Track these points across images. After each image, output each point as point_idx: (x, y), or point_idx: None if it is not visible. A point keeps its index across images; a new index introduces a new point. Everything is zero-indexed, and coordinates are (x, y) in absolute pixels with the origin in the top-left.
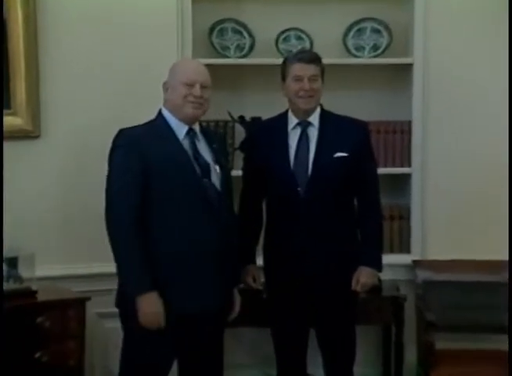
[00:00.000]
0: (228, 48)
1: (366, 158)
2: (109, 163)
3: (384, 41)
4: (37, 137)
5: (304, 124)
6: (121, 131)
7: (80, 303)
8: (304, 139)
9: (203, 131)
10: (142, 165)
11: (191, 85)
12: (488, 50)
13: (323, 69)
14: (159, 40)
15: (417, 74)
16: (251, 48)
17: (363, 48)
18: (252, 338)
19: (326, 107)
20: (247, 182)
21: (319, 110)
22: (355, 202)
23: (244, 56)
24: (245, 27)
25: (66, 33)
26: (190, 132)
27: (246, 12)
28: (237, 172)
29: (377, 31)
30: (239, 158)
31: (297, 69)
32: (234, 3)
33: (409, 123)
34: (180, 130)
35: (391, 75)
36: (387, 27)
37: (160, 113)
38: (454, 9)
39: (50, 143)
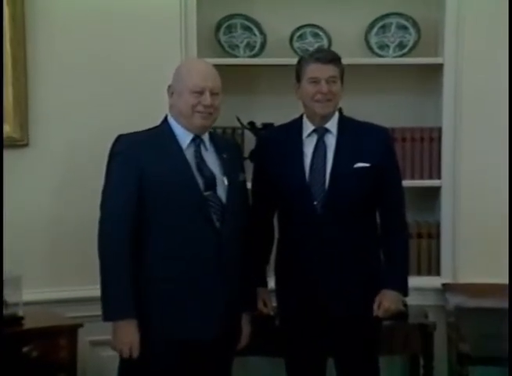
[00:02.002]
0: (237, 46)
1: (390, 169)
2: (107, 171)
3: (411, 38)
4: (25, 146)
5: (321, 131)
6: (120, 137)
7: (71, 330)
8: (320, 147)
9: (213, 138)
10: (138, 179)
11: (200, 93)
12: None
13: (343, 70)
14: (160, 38)
15: (448, 75)
16: (263, 46)
17: (388, 46)
18: (264, 368)
19: (346, 113)
20: (257, 195)
21: (337, 115)
22: (378, 218)
23: (255, 56)
24: (256, 23)
25: (58, 32)
26: (196, 140)
27: (256, 7)
28: (248, 184)
29: (404, 28)
30: (248, 168)
31: (314, 70)
32: None
33: (439, 130)
34: (184, 138)
35: (419, 77)
36: (414, 23)
37: (165, 119)
38: (489, 3)
39: (39, 153)
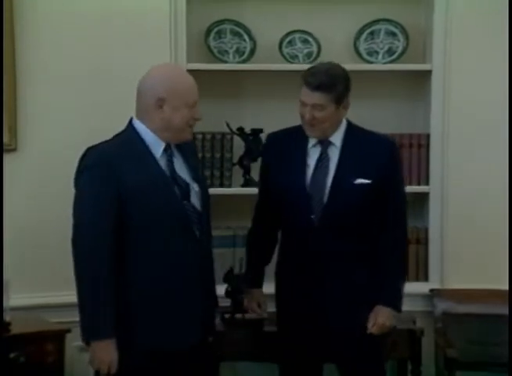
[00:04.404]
0: (227, 52)
1: (392, 184)
2: (76, 186)
3: (399, 45)
4: (13, 150)
5: (325, 144)
6: (89, 150)
7: (59, 335)
8: (324, 159)
9: (177, 145)
10: (115, 191)
11: (193, 106)
12: None
13: (340, 93)
14: (150, 43)
15: (436, 81)
16: (252, 52)
17: (377, 52)
18: (253, 374)
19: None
20: (262, 193)
21: (344, 127)
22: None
23: (244, 61)
24: (245, 28)
25: (47, 37)
26: (168, 150)
27: (246, 13)
28: (238, 190)
29: (392, 34)
30: (238, 174)
31: (303, 93)
32: (233, 3)
33: (427, 136)
34: (156, 148)
35: (408, 83)
36: (403, 30)
37: (132, 126)
38: (477, 9)
39: (27, 157)
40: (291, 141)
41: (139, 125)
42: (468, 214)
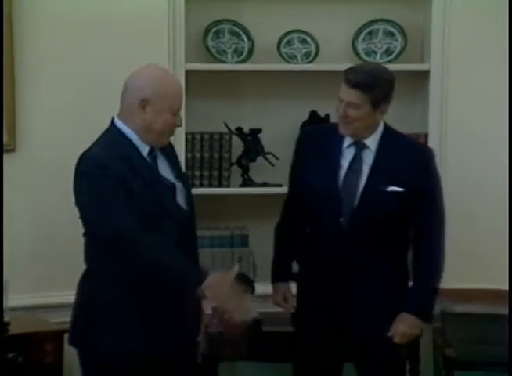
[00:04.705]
0: (225, 52)
1: (427, 194)
2: (80, 195)
3: (397, 45)
4: (12, 150)
5: (360, 147)
6: (85, 155)
7: (57, 336)
8: (357, 161)
9: None
10: (122, 187)
11: (176, 112)
12: None
13: (378, 96)
14: (148, 43)
15: (434, 81)
16: (250, 52)
17: (375, 52)
18: (251, 374)
19: (334, 119)
20: (291, 193)
21: (380, 131)
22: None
23: (243, 61)
24: (243, 28)
25: (45, 38)
26: (152, 152)
27: (244, 13)
28: (236, 190)
29: (391, 34)
30: (236, 174)
31: (341, 88)
32: (231, 3)
33: (426, 136)
34: (143, 148)
35: (406, 83)
36: (401, 30)
37: (115, 126)
38: (476, 9)
39: (26, 157)
40: (326, 139)
41: (122, 126)
42: (467, 213)
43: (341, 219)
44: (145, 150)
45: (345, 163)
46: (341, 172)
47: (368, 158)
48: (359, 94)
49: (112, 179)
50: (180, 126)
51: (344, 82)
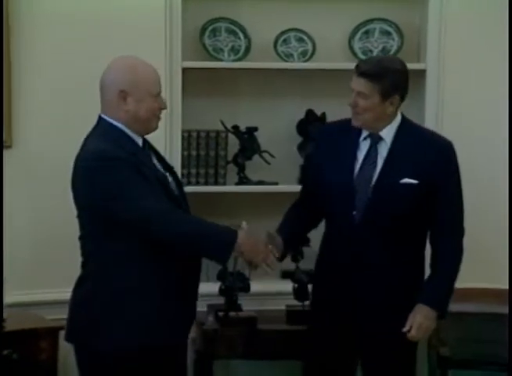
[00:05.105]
0: (222, 50)
1: (444, 188)
2: (99, 186)
3: (394, 44)
4: (8, 147)
5: (375, 138)
6: (89, 150)
7: (52, 332)
8: (372, 154)
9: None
10: (139, 174)
11: (157, 96)
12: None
13: (387, 88)
14: (145, 41)
15: (430, 81)
16: (247, 50)
17: (371, 51)
18: (245, 372)
19: (330, 118)
20: (304, 187)
21: (397, 122)
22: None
23: (239, 59)
24: (240, 27)
25: (42, 35)
26: (146, 144)
27: (241, 11)
28: (232, 188)
29: (387, 33)
30: (232, 172)
31: (352, 78)
32: (228, 1)
33: None
34: (138, 141)
35: None
36: (397, 29)
37: (107, 122)
38: (472, 8)
39: (23, 155)
40: (341, 135)
41: (112, 121)
42: (465, 212)
43: (354, 213)
44: (139, 142)
45: (361, 156)
46: (357, 165)
47: (383, 150)
48: (367, 83)
49: (127, 166)
50: (165, 108)
51: (354, 71)
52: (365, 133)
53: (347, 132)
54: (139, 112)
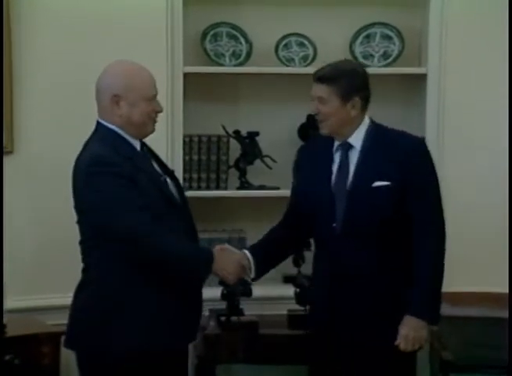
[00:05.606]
0: (223, 55)
1: (419, 186)
2: (96, 195)
3: (395, 48)
4: (10, 153)
5: (345, 147)
6: (94, 156)
7: (54, 338)
8: (344, 163)
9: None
10: (132, 185)
11: (152, 99)
12: None
13: (344, 90)
14: (146, 46)
15: (431, 85)
16: (248, 55)
17: (372, 56)
18: None
19: None
20: (289, 206)
21: (365, 126)
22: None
23: (240, 64)
24: (242, 31)
25: (44, 40)
26: (144, 148)
27: (243, 16)
28: (233, 193)
29: (388, 38)
30: (234, 177)
31: (312, 86)
32: (230, 6)
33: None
34: (136, 146)
35: (403, 87)
36: (398, 33)
37: (105, 127)
38: (473, 13)
39: (24, 160)
40: (319, 148)
41: (108, 125)
42: (465, 216)
43: (334, 225)
44: (137, 145)
45: (335, 167)
46: (333, 177)
47: (354, 157)
48: (325, 87)
49: (122, 177)
50: (161, 111)
51: (313, 79)
52: (336, 143)
53: (324, 146)
54: (133, 116)
